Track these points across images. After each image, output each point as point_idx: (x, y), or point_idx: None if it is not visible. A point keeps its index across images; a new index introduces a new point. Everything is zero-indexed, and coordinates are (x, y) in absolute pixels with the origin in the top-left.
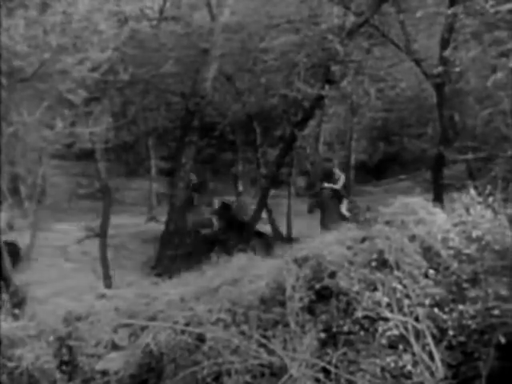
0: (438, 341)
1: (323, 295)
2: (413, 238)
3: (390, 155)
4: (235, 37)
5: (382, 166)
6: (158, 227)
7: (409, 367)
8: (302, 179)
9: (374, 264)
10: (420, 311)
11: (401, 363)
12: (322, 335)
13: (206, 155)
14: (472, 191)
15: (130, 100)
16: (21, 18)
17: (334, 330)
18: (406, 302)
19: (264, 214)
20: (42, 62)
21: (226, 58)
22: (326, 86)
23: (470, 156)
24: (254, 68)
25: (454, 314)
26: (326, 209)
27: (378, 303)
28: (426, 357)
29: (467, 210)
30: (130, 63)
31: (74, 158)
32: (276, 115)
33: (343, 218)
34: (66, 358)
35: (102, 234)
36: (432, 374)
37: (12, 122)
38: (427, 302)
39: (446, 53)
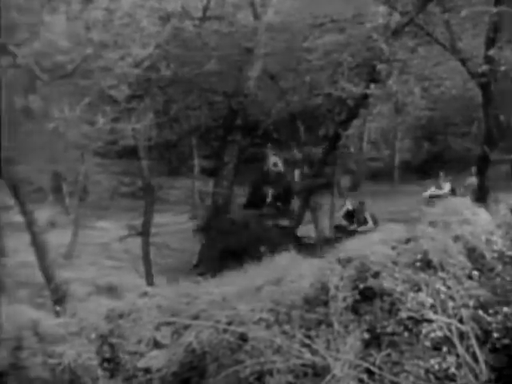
0: (482, 343)
1: (367, 295)
2: (457, 239)
3: (434, 154)
4: (279, 36)
5: (426, 166)
6: None
7: (453, 369)
8: (346, 178)
9: (418, 265)
10: (464, 313)
11: (445, 365)
12: (366, 336)
13: (248, 154)
14: None
15: (172, 98)
16: (63, 14)
17: (378, 330)
18: (450, 303)
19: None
20: (84, 57)
21: (269, 57)
22: (371, 85)
23: None
24: (298, 67)
25: (499, 317)
26: None
27: (422, 304)
28: (469, 359)
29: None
30: (172, 62)
31: (116, 156)
32: (320, 114)
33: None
34: (107, 355)
35: (144, 232)
36: (476, 376)
37: (53, 118)
38: (471, 303)
39: (491, 52)
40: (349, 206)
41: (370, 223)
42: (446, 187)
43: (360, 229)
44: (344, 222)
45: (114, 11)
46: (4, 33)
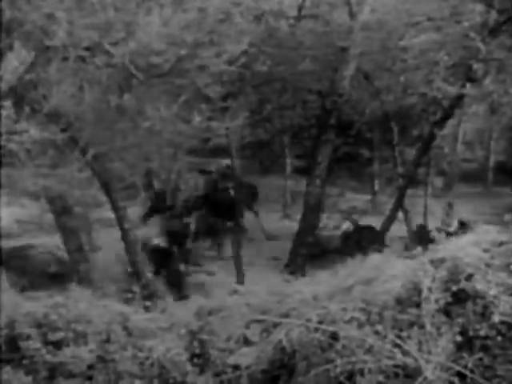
0: None
1: (459, 298)
2: None
3: None
4: (374, 35)
5: None
6: (292, 225)
7: None
8: (440, 179)
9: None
10: None
11: None
12: (458, 338)
13: (342, 154)
14: None
15: (266, 98)
16: (157, 16)
17: (471, 333)
18: None
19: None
20: (179, 57)
21: (364, 57)
22: (467, 85)
23: None
24: (392, 66)
25: None
26: None
27: None
28: None
29: None
30: (267, 61)
31: (208, 155)
32: (414, 114)
33: None
34: (197, 351)
35: (235, 230)
36: None
37: (148, 116)
38: None
39: None
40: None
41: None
42: None
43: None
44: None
45: (206, 9)
46: (100, 32)
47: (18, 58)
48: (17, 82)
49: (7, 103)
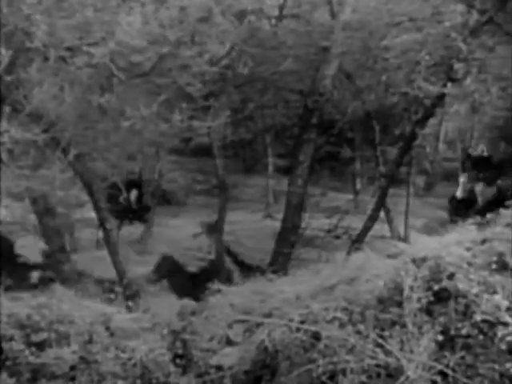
0: None
1: (441, 297)
2: None
3: (510, 155)
4: (356, 35)
5: (503, 166)
6: (275, 224)
7: None
8: (421, 178)
9: (493, 266)
10: None
11: None
12: (440, 337)
13: (324, 153)
14: None
15: (248, 97)
16: (138, 14)
17: (452, 332)
18: None
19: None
20: (161, 56)
21: (346, 56)
22: (448, 84)
23: None
24: (374, 66)
25: None
26: None
27: (498, 307)
28: None
29: None
30: (249, 61)
31: (191, 154)
32: (396, 113)
33: None
34: (180, 351)
35: (218, 230)
36: None
37: (129, 116)
38: None
39: None
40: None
41: None
42: None
43: None
44: None
45: (188, 8)
46: (80, 32)
47: None
48: None
49: None
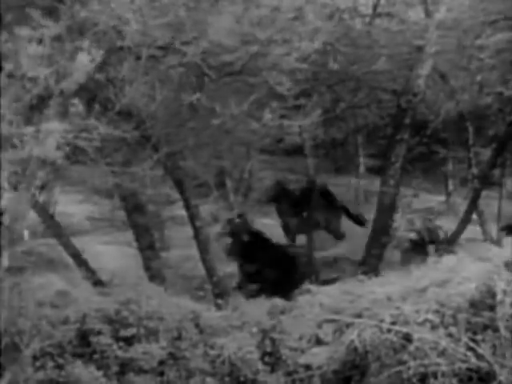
0: None
1: None
2: None
3: None
4: (450, 34)
5: None
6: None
7: None
8: None
9: None
10: None
11: None
12: None
13: (416, 153)
14: None
15: (340, 97)
16: (229, 14)
17: None
18: None
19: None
20: (252, 55)
21: (440, 56)
22: None
23: None
24: (468, 65)
25: None
26: None
27: None
28: None
29: None
30: (339, 58)
31: (282, 154)
32: (490, 114)
33: None
34: (268, 349)
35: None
36: None
37: (219, 114)
38: None
39: None
40: None
41: None
42: None
43: None
44: None
45: (279, 7)
46: (172, 31)
47: (87, 57)
48: (88, 81)
49: (76, 101)
